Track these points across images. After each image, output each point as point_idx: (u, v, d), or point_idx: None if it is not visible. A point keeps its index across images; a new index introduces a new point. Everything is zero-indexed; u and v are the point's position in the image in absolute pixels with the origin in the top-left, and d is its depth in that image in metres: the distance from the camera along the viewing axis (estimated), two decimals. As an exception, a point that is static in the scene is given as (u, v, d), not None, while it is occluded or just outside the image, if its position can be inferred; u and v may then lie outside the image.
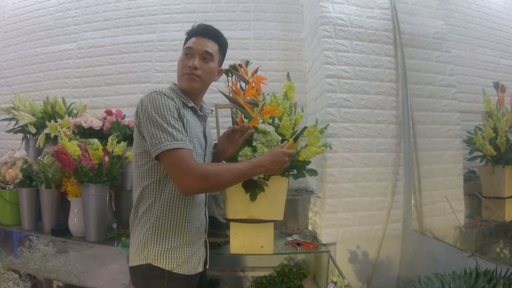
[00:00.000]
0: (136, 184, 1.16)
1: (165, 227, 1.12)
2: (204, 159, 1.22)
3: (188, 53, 1.18)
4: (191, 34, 1.21)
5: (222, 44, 1.24)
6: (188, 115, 1.15)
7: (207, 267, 1.28)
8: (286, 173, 1.54)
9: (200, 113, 1.23)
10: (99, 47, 2.43)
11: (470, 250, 1.26)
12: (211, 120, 2.25)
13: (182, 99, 1.15)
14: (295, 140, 1.26)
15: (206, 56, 1.17)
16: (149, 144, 1.04)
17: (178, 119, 1.08)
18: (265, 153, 1.19)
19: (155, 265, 1.10)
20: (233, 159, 1.43)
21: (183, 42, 1.25)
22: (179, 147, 1.02)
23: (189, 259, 1.15)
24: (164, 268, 1.09)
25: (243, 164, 1.12)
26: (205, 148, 1.23)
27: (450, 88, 1.79)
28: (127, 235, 1.75)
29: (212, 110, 1.37)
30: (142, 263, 1.11)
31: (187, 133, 1.10)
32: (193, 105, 1.19)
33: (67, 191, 1.75)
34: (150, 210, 1.12)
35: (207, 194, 1.28)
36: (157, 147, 1.02)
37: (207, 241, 1.28)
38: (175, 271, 1.11)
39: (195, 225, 1.18)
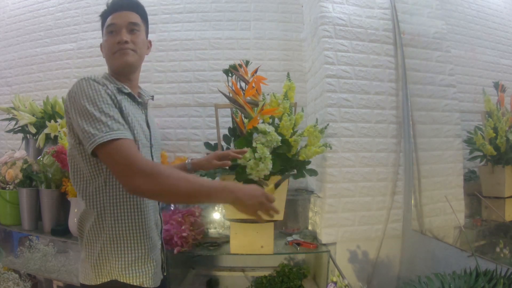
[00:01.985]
0: (78, 192, 0.98)
1: (124, 235, 0.95)
2: (151, 150, 1.07)
3: (112, 30, 1.03)
4: (108, 12, 1.06)
5: (143, 14, 1.11)
6: (126, 102, 0.99)
7: (165, 273, 1.12)
8: (286, 173, 1.54)
9: (139, 99, 1.08)
10: (99, 47, 2.43)
11: (470, 250, 1.26)
12: (211, 120, 2.27)
13: (116, 85, 1.01)
14: (276, 186, 1.10)
15: (133, 28, 1.04)
16: (82, 139, 0.87)
17: (114, 106, 0.91)
18: (245, 184, 0.97)
19: (122, 281, 0.93)
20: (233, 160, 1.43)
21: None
22: (117, 137, 0.84)
23: (156, 268, 1.02)
24: (132, 283, 0.94)
25: (210, 182, 0.92)
26: (150, 139, 1.08)
27: (450, 88, 1.79)
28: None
29: (152, 96, 1.19)
30: (104, 280, 0.93)
31: (126, 122, 0.94)
32: (130, 91, 1.04)
33: (67, 191, 1.75)
34: (102, 218, 0.94)
35: None
36: (91, 140, 0.84)
37: (163, 244, 1.13)
38: (145, 286, 0.96)
39: (154, 227, 1.04)
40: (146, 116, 1.10)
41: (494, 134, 1.46)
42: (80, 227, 0.99)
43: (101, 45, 1.09)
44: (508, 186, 1.45)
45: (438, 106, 1.82)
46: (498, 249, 1.29)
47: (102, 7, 1.08)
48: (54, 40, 2.54)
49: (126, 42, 1.02)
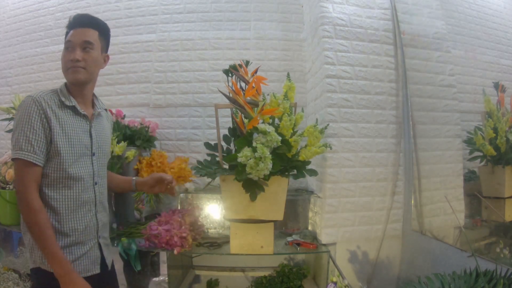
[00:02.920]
0: None
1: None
2: (91, 159, 1.22)
3: (68, 46, 1.18)
4: (69, 27, 1.22)
5: (101, 29, 1.24)
6: (65, 116, 1.15)
7: (109, 268, 1.29)
8: (286, 173, 1.54)
9: (82, 112, 1.20)
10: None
11: (470, 250, 1.26)
12: (211, 120, 2.27)
13: (62, 99, 1.16)
14: None
15: (86, 46, 1.18)
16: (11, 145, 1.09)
17: (40, 127, 1.09)
18: (74, 275, 1.08)
19: (44, 268, 1.10)
20: (232, 159, 1.43)
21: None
22: (22, 157, 1.06)
23: (78, 260, 1.15)
24: (51, 270, 1.07)
25: (54, 248, 1.06)
26: (91, 147, 1.22)
27: (450, 88, 1.79)
28: (127, 235, 1.76)
29: (106, 109, 1.36)
30: (33, 266, 1.13)
31: (64, 134, 1.13)
32: (74, 104, 1.18)
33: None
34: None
35: (96, 194, 1.24)
36: (12, 151, 1.08)
37: (100, 243, 1.25)
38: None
39: (80, 226, 1.16)
40: (91, 127, 1.23)
41: (494, 135, 1.46)
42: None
43: (61, 55, 1.22)
44: (508, 186, 1.45)
45: (438, 106, 1.82)
46: (498, 249, 1.29)
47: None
48: (54, 40, 2.54)
49: (78, 60, 1.16)
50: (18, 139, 1.07)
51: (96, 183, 1.23)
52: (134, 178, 1.47)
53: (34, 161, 1.07)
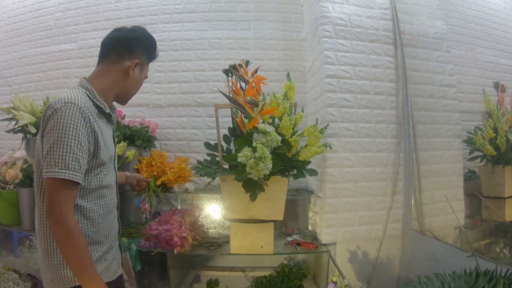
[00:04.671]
0: (39, 195, 1.04)
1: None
2: (114, 164, 1.19)
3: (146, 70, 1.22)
4: (155, 55, 1.24)
5: None
6: (102, 125, 1.09)
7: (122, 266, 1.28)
8: (286, 173, 1.54)
9: (112, 115, 1.16)
10: (99, 47, 2.43)
11: (470, 250, 1.26)
12: (211, 120, 2.27)
13: (100, 105, 1.09)
14: None
15: None
16: (43, 159, 0.97)
17: (85, 140, 0.99)
18: None
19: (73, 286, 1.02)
20: (232, 159, 1.43)
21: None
22: (67, 177, 0.94)
23: (109, 266, 1.12)
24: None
25: (92, 273, 0.98)
26: (115, 152, 1.20)
27: (450, 88, 1.79)
28: (127, 235, 1.76)
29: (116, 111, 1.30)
30: (72, 285, 1.02)
31: (98, 147, 1.04)
32: (109, 111, 1.12)
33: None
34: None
35: (118, 198, 1.22)
36: (47, 169, 0.95)
37: (121, 244, 1.25)
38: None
39: (111, 232, 1.15)
40: (113, 131, 1.21)
41: (494, 134, 1.46)
42: (44, 226, 1.04)
43: (129, 66, 1.14)
44: (508, 186, 1.45)
45: (438, 106, 1.82)
46: (498, 249, 1.29)
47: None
48: (54, 40, 2.54)
49: None
50: (63, 156, 0.94)
51: (117, 187, 1.22)
52: (127, 174, 1.67)
53: (78, 181, 0.98)
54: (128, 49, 1.14)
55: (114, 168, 1.19)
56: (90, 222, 1.06)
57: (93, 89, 1.09)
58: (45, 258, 1.05)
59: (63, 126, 0.95)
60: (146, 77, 1.23)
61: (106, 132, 1.11)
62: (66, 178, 0.94)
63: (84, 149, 0.99)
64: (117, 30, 1.17)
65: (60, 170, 0.94)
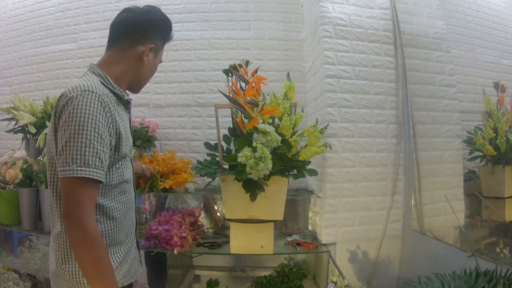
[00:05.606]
0: (54, 197, 0.94)
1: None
2: (130, 156, 1.08)
3: (160, 54, 1.14)
4: (169, 38, 1.17)
5: None
6: (122, 112, 1.00)
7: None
8: (286, 173, 1.54)
9: (129, 102, 1.08)
10: (99, 47, 2.43)
11: (470, 250, 1.26)
12: (211, 120, 2.27)
13: (117, 91, 0.99)
14: None
15: None
16: (58, 155, 0.86)
17: (106, 132, 0.88)
18: None
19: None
20: (232, 159, 1.43)
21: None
22: (86, 175, 0.83)
23: (130, 266, 1.04)
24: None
25: (114, 279, 0.89)
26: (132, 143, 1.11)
27: (450, 88, 1.79)
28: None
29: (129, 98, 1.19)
30: None
31: (120, 138, 0.94)
32: (127, 97, 1.04)
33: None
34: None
35: (135, 191, 1.13)
36: (63, 167, 0.84)
37: (138, 242, 1.15)
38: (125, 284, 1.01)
39: (131, 230, 1.07)
40: (130, 120, 1.10)
41: (494, 134, 1.46)
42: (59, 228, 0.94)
43: (144, 51, 1.05)
44: (508, 186, 1.45)
45: (438, 106, 1.82)
46: (498, 249, 1.29)
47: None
48: (54, 40, 2.54)
49: None
50: (81, 151, 0.83)
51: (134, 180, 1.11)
52: (143, 166, 1.70)
53: (100, 179, 0.87)
54: (141, 33, 1.04)
55: (131, 159, 1.08)
56: (113, 222, 0.96)
57: (107, 76, 0.99)
58: (63, 265, 0.93)
59: (81, 117, 0.83)
60: (161, 61, 1.14)
61: (125, 121, 1.02)
62: (86, 176, 0.83)
63: (106, 142, 0.87)
64: (128, 11, 1.06)
65: (78, 168, 0.82)
